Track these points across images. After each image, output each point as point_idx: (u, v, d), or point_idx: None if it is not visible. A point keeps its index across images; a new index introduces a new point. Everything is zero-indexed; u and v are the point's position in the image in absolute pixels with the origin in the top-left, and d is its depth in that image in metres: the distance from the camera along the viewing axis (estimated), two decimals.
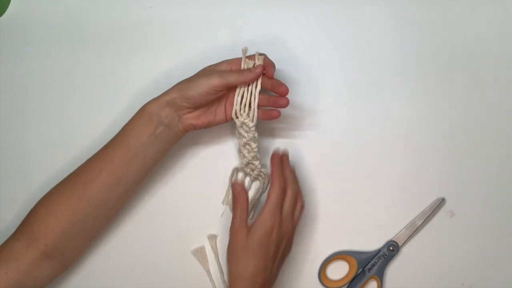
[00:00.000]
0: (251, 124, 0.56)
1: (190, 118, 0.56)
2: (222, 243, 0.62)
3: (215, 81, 0.54)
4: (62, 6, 0.67)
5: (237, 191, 0.53)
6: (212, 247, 0.62)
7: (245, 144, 0.58)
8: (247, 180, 0.63)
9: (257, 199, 0.61)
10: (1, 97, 0.65)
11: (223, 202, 0.62)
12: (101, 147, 0.57)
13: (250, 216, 0.62)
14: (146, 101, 0.57)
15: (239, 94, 0.56)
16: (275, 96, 0.57)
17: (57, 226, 0.53)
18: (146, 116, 0.55)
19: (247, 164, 0.59)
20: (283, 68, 0.65)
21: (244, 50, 0.57)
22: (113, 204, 0.56)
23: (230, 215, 0.56)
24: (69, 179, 0.55)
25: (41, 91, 0.66)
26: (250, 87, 0.56)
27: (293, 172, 0.56)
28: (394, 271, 0.62)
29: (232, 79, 0.54)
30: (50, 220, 0.53)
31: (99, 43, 0.67)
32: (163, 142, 0.56)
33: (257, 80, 0.56)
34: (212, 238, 0.62)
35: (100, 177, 0.54)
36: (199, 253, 0.61)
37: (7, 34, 0.67)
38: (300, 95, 0.64)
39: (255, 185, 0.63)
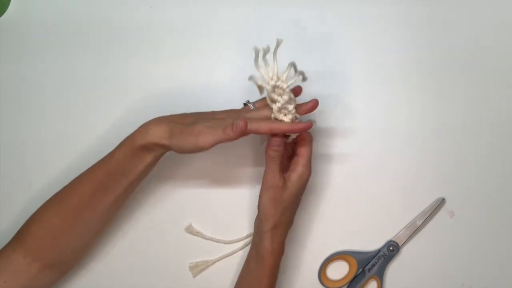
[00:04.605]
0: (285, 86, 0.52)
1: None
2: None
3: (204, 144, 0.51)
4: (62, 6, 0.68)
5: (277, 147, 0.53)
6: (191, 232, 0.62)
7: (280, 109, 0.53)
8: None
9: None
10: (1, 97, 0.65)
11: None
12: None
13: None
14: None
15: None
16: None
17: (55, 243, 0.53)
18: (144, 151, 0.53)
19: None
20: (283, 67, 0.65)
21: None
22: (108, 218, 0.57)
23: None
24: (62, 200, 0.54)
25: (41, 91, 0.66)
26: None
27: None
28: (394, 271, 0.62)
29: (223, 138, 0.51)
30: (46, 238, 0.53)
31: (98, 43, 0.67)
32: (156, 163, 0.56)
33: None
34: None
35: (94, 200, 0.54)
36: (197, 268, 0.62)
37: (7, 34, 0.67)
38: (300, 95, 0.64)
39: None
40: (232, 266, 0.62)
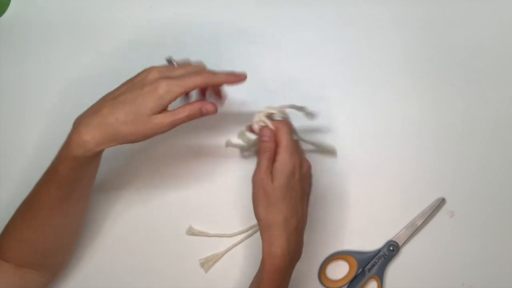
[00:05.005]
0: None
1: None
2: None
3: (163, 131, 0.49)
4: (62, 6, 0.68)
5: (267, 138, 0.51)
6: (192, 233, 0.62)
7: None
8: None
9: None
10: (1, 96, 0.65)
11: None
12: None
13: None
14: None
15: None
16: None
17: (32, 250, 0.53)
18: (91, 158, 0.49)
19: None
20: (283, 67, 0.65)
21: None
22: (79, 216, 0.56)
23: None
24: (26, 213, 0.52)
25: (41, 90, 0.66)
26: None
27: None
28: (394, 271, 0.61)
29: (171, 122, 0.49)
30: (23, 247, 0.52)
31: (99, 42, 0.67)
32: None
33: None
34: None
35: (57, 210, 0.52)
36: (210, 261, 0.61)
37: (7, 34, 0.67)
38: (300, 95, 0.64)
39: None
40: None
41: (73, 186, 0.51)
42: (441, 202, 0.62)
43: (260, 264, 0.52)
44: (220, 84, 0.52)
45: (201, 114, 0.50)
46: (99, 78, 0.66)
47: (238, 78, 0.52)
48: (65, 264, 0.59)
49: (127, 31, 0.67)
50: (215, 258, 0.61)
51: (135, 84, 0.50)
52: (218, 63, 0.65)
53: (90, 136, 0.48)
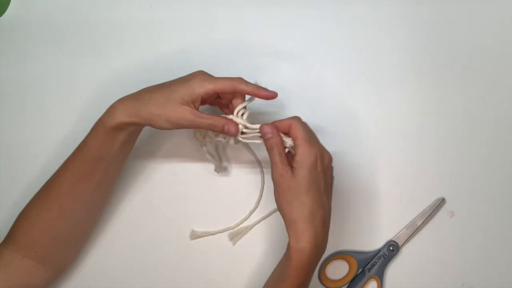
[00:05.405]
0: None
1: None
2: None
3: (183, 122, 0.51)
4: (62, 6, 0.68)
5: (269, 134, 0.51)
6: (197, 236, 0.61)
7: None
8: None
9: None
10: (1, 96, 0.65)
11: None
12: None
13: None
14: None
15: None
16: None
17: (43, 237, 0.53)
18: (115, 131, 0.52)
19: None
20: (284, 67, 0.65)
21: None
22: (94, 207, 0.57)
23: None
24: (44, 192, 0.54)
25: (41, 90, 0.66)
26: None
27: None
28: (394, 271, 0.61)
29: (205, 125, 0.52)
30: (34, 232, 0.53)
31: (99, 42, 0.67)
32: (133, 141, 0.57)
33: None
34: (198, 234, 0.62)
35: (75, 189, 0.53)
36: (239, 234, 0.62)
37: (7, 34, 0.67)
38: (300, 94, 0.64)
39: None
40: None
41: (96, 161, 0.53)
42: (441, 202, 0.62)
43: (284, 260, 0.50)
44: (250, 93, 0.53)
45: (222, 130, 0.52)
46: (99, 78, 0.66)
47: (268, 93, 0.53)
48: (70, 263, 0.59)
49: (127, 31, 0.67)
50: (244, 232, 0.61)
51: (178, 78, 0.54)
52: (217, 63, 0.65)
53: (121, 106, 0.52)
